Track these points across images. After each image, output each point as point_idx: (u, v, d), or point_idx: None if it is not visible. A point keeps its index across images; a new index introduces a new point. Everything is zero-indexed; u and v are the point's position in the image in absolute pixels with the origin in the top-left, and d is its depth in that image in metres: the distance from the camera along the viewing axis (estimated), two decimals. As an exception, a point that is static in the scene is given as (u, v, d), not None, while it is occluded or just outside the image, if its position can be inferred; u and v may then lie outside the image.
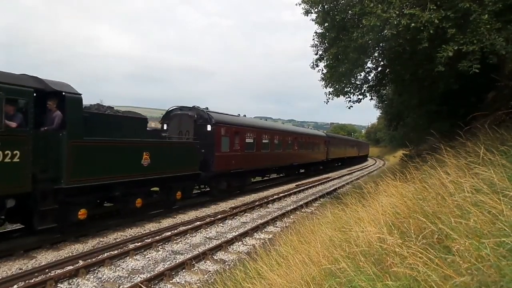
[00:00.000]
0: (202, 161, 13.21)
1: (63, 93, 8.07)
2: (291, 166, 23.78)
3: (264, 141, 19.14)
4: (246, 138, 16.90)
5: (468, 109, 8.87)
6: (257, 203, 14.60)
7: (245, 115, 20.67)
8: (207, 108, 15.40)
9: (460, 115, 9.78)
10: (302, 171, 28.14)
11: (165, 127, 14.47)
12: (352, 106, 13.02)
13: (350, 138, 57.32)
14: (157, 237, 9.16)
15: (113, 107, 10.53)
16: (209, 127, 14.20)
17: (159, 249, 8.50)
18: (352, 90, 12.59)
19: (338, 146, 37.11)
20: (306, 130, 32.77)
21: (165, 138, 12.52)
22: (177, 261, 7.53)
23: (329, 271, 3.51)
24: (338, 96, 12.44)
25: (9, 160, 6.78)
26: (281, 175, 24.57)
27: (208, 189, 15.88)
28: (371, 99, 14.70)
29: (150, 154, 10.20)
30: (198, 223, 10.84)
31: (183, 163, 11.94)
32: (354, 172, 34.94)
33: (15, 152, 6.87)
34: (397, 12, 7.43)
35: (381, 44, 10.93)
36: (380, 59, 12.60)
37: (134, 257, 7.83)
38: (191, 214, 12.41)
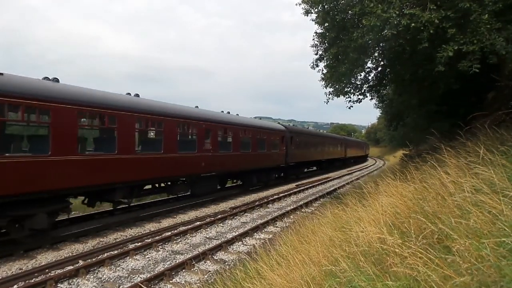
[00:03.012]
0: None
1: None
2: (203, 178, 13.99)
3: (107, 132, 10.38)
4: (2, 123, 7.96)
5: (468, 109, 8.87)
6: (257, 203, 14.60)
7: (230, 113, 17.39)
8: None
9: (460, 115, 9.79)
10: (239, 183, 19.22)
11: None
12: (352, 106, 13.05)
13: (329, 134, 42.79)
14: (157, 237, 9.17)
15: None
16: None
17: (159, 249, 8.50)
18: (352, 90, 12.61)
19: (308, 145, 26.71)
20: (242, 119, 18.40)
21: None
22: (177, 261, 7.53)
23: (329, 271, 3.51)
24: (338, 96, 12.45)
25: None
26: (180, 194, 14.15)
27: None
28: (371, 99, 14.73)
29: None
30: (198, 223, 10.84)
31: None
32: (354, 172, 34.94)
33: None
34: (397, 12, 7.43)
35: (381, 44, 10.93)
36: (380, 59, 12.60)
37: (134, 257, 7.83)
38: (191, 214, 12.41)
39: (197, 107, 15.60)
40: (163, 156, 11.76)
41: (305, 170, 30.13)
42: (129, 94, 11.87)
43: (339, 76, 11.45)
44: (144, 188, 11.99)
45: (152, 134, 12.51)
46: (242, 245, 9.10)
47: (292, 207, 13.79)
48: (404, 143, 24.06)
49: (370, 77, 13.02)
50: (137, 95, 12.02)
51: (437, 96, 12.12)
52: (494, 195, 3.02)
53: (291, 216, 12.30)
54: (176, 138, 12.49)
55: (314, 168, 33.32)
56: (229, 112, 17.69)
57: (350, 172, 34.52)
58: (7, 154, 7.53)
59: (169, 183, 12.99)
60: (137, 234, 9.59)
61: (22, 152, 8.62)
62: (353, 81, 12.52)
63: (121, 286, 6.35)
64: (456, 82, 9.78)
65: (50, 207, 8.33)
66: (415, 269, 2.55)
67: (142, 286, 5.83)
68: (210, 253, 8.02)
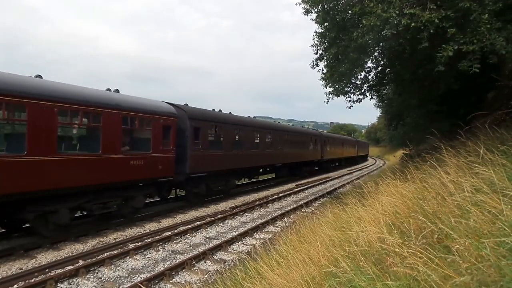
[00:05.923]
0: None
1: None
2: None
3: None
4: None
5: (468, 109, 8.87)
6: (257, 203, 14.60)
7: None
8: None
9: (460, 114, 9.78)
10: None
11: None
12: (352, 106, 13.04)
13: (289, 127, 28.59)
14: (157, 237, 9.17)
15: None
16: None
17: (159, 249, 8.50)
18: (352, 90, 12.60)
19: (240, 143, 16.73)
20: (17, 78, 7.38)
21: None
22: (177, 261, 7.53)
23: (329, 271, 3.51)
24: (338, 96, 12.44)
25: None
26: None
27: None
28: (371, 98, 14.72)
29: None
30: (198, 223, 10.84)
31: None
32: (354, 172, 34.96)
33: None
34: (397, 12, 7.43)
35: (381, 44, 10.94)
36: (380, 59, 12.61)
37: (134, 257, 7.83)
38: (191, 214, 12.41)
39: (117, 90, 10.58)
40: None
41: (247, 181, 20.17)
42: None
43: (339, 76, 11.45)
44: None
45: None
46: (242, 245, 9.11)
47: (292, 207, 13.79)
48: (404, 142, 24.03)
49: (370, 77, 13.03)
50: None
51: (437, 96, 12.12)
52: (494, 195, 3.02)
53: (291, 216, 12.29)
54: None
55: (267, 177, 23.33)
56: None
57: (350, 172, 34.54)
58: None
59: None
60: (137, 234, 9.59)
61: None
62: (353, 81, 12.52)
63: (121, 286, 6.35)
64: (456, 82, 9.79)
65: None
66: (415, 269, 2.55)
67: (142, 286, 5.83)
68: (210, 253, 8.02)
